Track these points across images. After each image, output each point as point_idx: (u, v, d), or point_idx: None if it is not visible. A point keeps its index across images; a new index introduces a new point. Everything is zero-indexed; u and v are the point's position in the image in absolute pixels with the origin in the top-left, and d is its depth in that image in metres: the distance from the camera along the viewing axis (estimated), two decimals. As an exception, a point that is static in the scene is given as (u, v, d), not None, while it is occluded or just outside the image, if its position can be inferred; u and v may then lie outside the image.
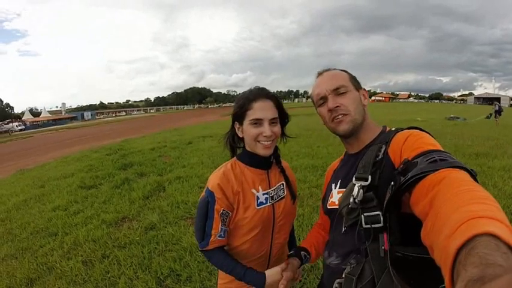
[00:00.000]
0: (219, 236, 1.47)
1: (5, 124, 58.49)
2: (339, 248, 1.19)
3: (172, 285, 3.35)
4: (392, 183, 0.92)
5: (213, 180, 1.49)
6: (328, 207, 1.31)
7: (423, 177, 0.82)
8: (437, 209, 0.68)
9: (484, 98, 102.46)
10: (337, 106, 1.23)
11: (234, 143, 1.63)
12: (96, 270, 3.73)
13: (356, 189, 1.00)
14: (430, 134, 1.08)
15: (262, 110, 1.44)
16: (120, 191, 7.00)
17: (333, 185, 1.33)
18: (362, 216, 0.98)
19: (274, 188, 1.59)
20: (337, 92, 1.25)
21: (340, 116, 1.24)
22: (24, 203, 6.90)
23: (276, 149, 1.63)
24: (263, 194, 1.54)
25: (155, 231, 4.70)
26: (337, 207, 1.18)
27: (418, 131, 1.10)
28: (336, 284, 1.12)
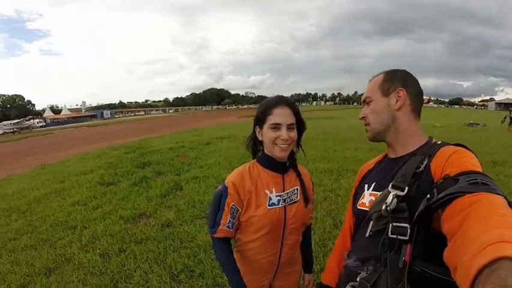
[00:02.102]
0: (226, 227, 1.61)
1: (26, 120, 59.37)
2: (360, 251, 1.19)
3: (185, 280, 3.42)
4: (428, 195, 0.90)
5: (230, 178, 1.64)
6: (358, 207, 1.32)
7: (460, 196, 0.79)
8: (467, 229, 0.68)
9: (505, 104, 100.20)
10: (363, 117, 1.32)
11: (255, 146, 1.75)
12: (112, 262, 3.83)
13: (390, 197, 1.00)
14: (474, 154, 1.07)
15: (281, 115, 1.55)
16: (138, 188, 7.12)
17: (366, 186, 1.33)
18: (390, 225, 0.98)
19: (288, 191, 1.67)
20: (365, 102, 1.32)
21: (365, 125, 1.33)
22: (45, 197, 7.08)
23: (292, 153, 1.74)
24: (276, 196, 1.63)
25: (171, 228, 4.79)
26: (367, 209, 1.20)
27: (464, 149, 1.09)
28: (349, 287, 1.14)
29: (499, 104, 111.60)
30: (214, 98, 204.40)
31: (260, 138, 1.66)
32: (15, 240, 4.85)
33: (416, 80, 1.30)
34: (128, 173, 8.64)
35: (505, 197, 0.76)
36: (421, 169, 1.06)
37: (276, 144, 1.57)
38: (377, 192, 1.22)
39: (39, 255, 4.21)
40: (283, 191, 1.66)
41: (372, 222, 1.12)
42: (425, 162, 1.07)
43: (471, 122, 26.18)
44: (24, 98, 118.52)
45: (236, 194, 1.59)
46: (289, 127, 1.57)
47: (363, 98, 1.33)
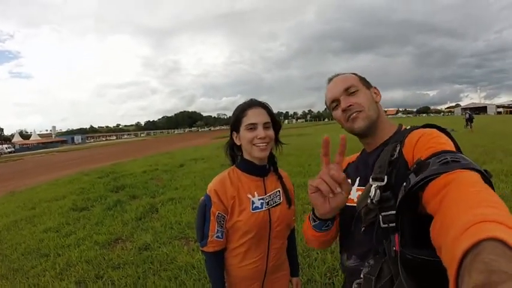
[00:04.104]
0: (216, 237, 1.60)
1: (-5, 146, 58.07)
2: (359, 248, 1.18)
3: (168, 304, 3.31)
4: (404, 184, 0.90)
5: (211, 186, 1.65)
6: (346, 203, 1.25)
7: (434, 178, 0.80)
8: (446, 210, 0.68)
9: (471, 108, 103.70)
10: (350, 105, 1.25)
11: (234, 152, 1.76)
12: (89, 290, 3.67)
13: (373, 190, 1.01)
14: (445, 132, 1.08)
15: (255, 115, 1.58)
16: (113, 212, 6.98)
17: (350, 181, 1.24)
18: (380, 216, 0.99)
19: (270, 194, 1.68)
20: (348, 92, 1.27)
21: (354, 114, 1.25)
22: (15, 224, 6.85)
23: (273, 157, 1.76)
24: (259, 199, 1.64)
25: (149, 251, 4.68)
26: (355, 204, 1.18)
27: (432, 129, 1.10)
28: (354, 285, 1.12)
29: (464, 109, 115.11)
30: (187, 120, 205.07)
31: (238, 143, 1.67)
32: (-15, 270, 4.62)
33: None
34: (101, 197, 8.49)
35: (478, 170, 0.77)
36: (395, 156, 1.08)
37: (254, 144, 1.57)
38: (363, 187, 1.19)
39: (12, 285, 4.03)
40: (265, 194, 1.67)
41: (362, 218, 1.11)
42: (397, 149, 1.10)
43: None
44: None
45: (219, 201, 1.59)
46: (265, 126, 1.59)
47: (345, 86, 1.28)
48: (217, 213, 1.59)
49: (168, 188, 9.21)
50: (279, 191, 1.72)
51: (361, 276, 1.07)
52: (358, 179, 1.29)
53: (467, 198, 0.65)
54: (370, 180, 1.06)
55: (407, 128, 1.23)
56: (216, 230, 1.59)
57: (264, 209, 1.63)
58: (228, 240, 1.67)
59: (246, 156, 1.68)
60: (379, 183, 1.01)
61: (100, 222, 6.41)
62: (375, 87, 1.35)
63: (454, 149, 0.95)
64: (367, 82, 1.35)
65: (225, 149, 1.78)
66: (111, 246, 5.10)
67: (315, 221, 1.18)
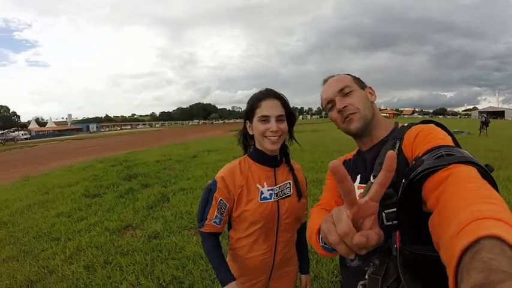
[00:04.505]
0: (213, 222, 1.60)
1: (11, 132, 58.98)
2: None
3: (174, 292, 3.32)
4: (403, 180, 0.90)
5: (220, 173, 1.64)
6: None
7: (430, 173, 0.80)
8: (443, 207, 0.67)
9: (488, 112, 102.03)
10: (345, 106, 1.25)
11: (246, 141, 1.73)
12: (98, 275, 3.71)
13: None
14: (444, 128, 1.07)
15: (269, 107, 1.54)
16: (124, 200, 7.03)
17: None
18: (383, 214, 0.95)
19: (280, 185, 1.66)
20: (343, 92, 1.26)
21: (350, 115, 1.25)
22: (28, 208, 6.93)
23: (285, 147, 1.73)
24: (268, 190, 1.62)
25: (158, 239, 4.70)
26: None
27: (430, 125, 1.09)
28: (359, 286, 1.09)
29: (481, 112, 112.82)
30: (201, 112, 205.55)
31: (251, 133, 1.64)
32: (-3, 251, 4.69)
33: None
34: (113, 185, 8.56)
35: (476, 164, 0.77)
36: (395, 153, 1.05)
37: (265, 136, 1.55)
38: (364, 185, 1.21)
39: (22, 267, 4.08)
40: (275, 185, 1.64)
41: None
42: (397, 146, 1.09)
43: (456, 130, 26.58)
44: (9, 109, 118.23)
45: (225, 188, 1.58)
46: (279, 119, 1.55)
47: (340, 87, 1.28)
48: (219, 199, 1.58)
49: (180, 178, 9.24)
50: (289, 182, 1.69)
51: (366, 276, 1.05)
52: (359, 177, 1.28)
53: (464, 195, 0.64)
54: (371, 178, 1.06)
55: (405, 125, 1.21)
56: (214, 216, 1.59)
57: (272, 200, 1.61)
58: (236, 230, 1.67)
59: (258, 146, 1.65)
60: None
61: (111, 209, 6.47)
62: (370, 87, 1.36)
63: (451, 144, 0.94)
64: (362, 82, 1.35)
65: (238, 137, 1.76)
66: (121, 233, 5.13)
67: (325, 243, 1.04)
